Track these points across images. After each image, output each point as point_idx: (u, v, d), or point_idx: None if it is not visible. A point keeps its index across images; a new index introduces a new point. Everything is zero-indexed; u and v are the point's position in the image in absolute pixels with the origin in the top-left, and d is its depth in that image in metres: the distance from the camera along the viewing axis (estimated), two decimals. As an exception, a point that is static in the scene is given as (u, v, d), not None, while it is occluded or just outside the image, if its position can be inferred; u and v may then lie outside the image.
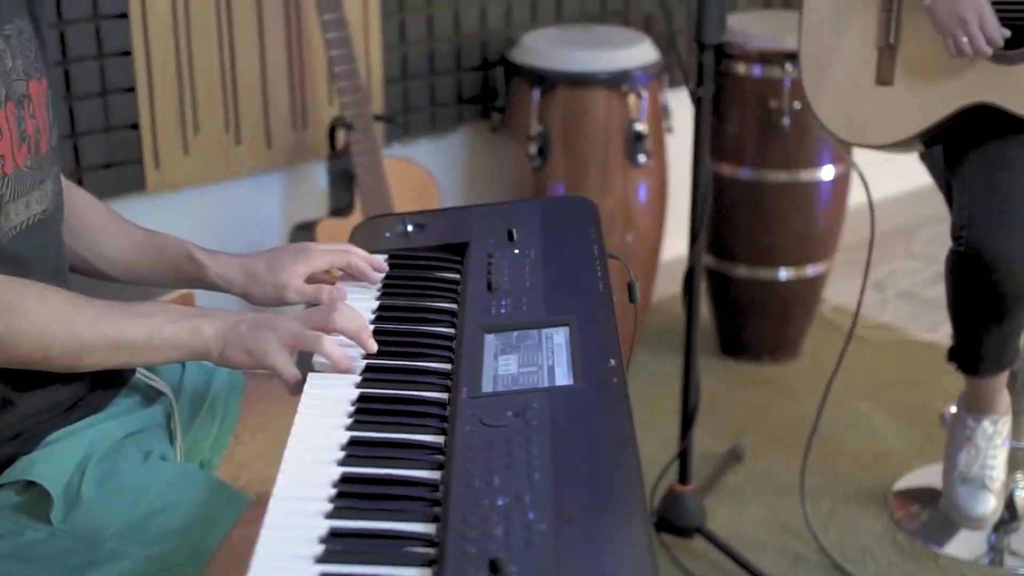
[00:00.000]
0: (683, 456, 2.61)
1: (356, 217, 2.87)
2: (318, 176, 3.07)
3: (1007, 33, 2.20)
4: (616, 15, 3.46)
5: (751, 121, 3.27)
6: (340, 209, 2.92)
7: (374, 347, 1.49)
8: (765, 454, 3.03)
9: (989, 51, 2.20)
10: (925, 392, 3.25)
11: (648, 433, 2.95)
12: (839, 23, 2.41)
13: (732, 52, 3.23)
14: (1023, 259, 2.18)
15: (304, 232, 2.87)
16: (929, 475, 2.86)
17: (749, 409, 3.25)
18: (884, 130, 2.38)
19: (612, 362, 1.41)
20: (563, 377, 1.39)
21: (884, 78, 2.36)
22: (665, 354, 3.22)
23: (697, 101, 2.45)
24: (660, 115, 3.20)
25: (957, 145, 2.33)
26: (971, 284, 2.22)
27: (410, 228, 1.82)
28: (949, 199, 2.39)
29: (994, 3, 2.21)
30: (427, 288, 1.67)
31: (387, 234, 1.82)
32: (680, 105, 3.13)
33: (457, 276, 1.70)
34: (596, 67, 3.10)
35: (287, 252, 1.68)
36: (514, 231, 1.74)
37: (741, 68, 3.24)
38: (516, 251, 1.70)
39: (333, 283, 1.68)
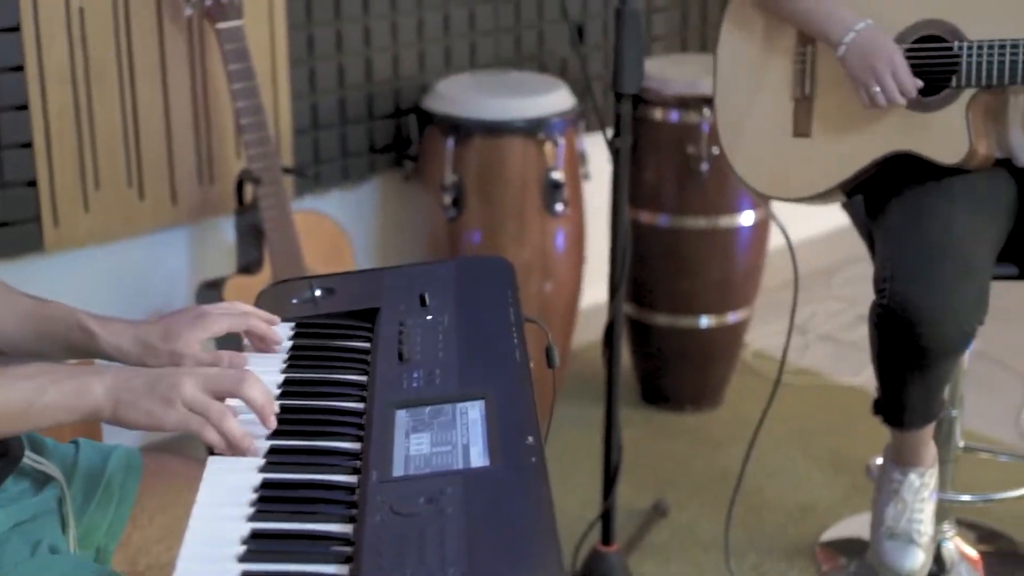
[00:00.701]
0: (606, 516, 2.54)
1: (265, 274, 2.79)
2: (225, 232, 2.98)
3: (920, 84, 2.19)
4: (531, 60, 3.41)
5: (669, 167, 3.23)
6: (249, 266, 2.83)
7: (273, 425, 1.41)
8: (689, 507, 2.97)
9: (903, 100, 2.19)
10: (850, 438, 3.22)
11: (568, 488, 2.88)
12: (754, 77, 2.38)
13: (649, 98, 3.19)
14: (944, 311, 2.14)
15: (211, 290, 2.77)
16: (856, 525, 2.82)
17: (672, 461, 3.19)
18: (804, 182, 2.35)
19: (530, 439, 1.34)
20: (479, 457, 1.32)
21: (802, 130, 2.33)
22: (585, 404, 3.14)
23: (615, 152, 2.40)
24: (577, 162, 3.15)
25: (878, 194, 2.30)
26: (895, 337, 2.18)
27: (318, 293, 1.75)
28: (872, 248, 2.35)
29: (906, 54, 2.20)
30: (335, 359, 1.60)
31: (294, 300, 1.74)
32: (596, 149, 3.09)
33: (368, 345, 1.63)
34: (512, 115, 3.04)
35: (183, 318, 1.59)
36: (426, 296, 1.68)
37: (658, 114, 3.20)
38: (429, 317, 1.63)
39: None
